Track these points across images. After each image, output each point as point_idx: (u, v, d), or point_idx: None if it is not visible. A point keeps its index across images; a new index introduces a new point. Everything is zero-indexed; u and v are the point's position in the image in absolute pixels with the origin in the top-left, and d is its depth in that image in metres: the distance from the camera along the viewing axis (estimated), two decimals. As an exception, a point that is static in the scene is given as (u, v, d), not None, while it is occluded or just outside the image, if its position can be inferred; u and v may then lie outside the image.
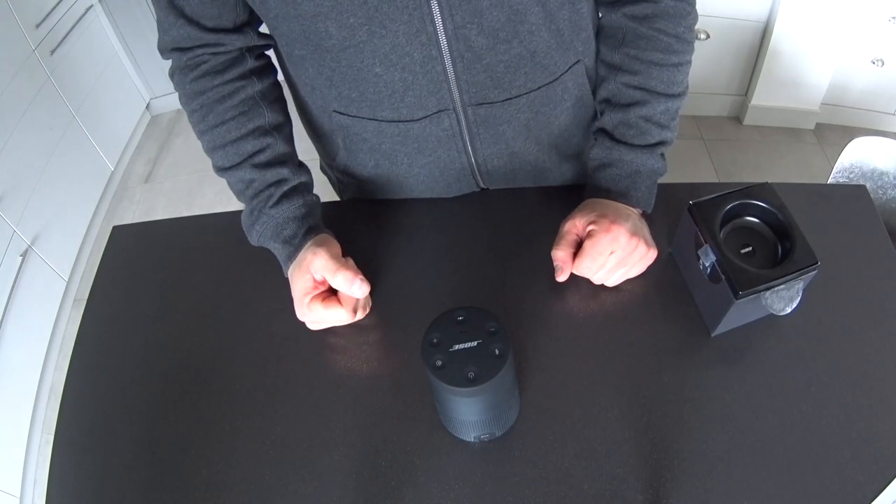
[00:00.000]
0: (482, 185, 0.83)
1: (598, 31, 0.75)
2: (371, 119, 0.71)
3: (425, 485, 0.60)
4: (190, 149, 2.42)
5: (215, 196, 2.24)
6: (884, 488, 0.51)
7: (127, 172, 2.36)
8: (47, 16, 1.86)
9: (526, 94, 0.70)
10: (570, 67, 0.71)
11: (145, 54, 2.35)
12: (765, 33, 1.98)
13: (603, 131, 0.75)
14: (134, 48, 2.32)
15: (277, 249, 0.71)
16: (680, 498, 0.58)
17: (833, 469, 0.59)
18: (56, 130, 1.90)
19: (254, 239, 0.72)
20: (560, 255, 0.70)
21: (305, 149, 0.91)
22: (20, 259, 1.67)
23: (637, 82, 0.71)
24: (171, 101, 2.52)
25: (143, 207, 2.25)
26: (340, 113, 0.72)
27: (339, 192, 0.93)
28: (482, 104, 0.69)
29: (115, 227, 0.86)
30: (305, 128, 0.85)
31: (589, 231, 0.69)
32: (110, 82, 2.23)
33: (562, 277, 0.70)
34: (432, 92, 0.67)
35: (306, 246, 0.69)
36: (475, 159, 0.77)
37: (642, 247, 0.69)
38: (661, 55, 0.70)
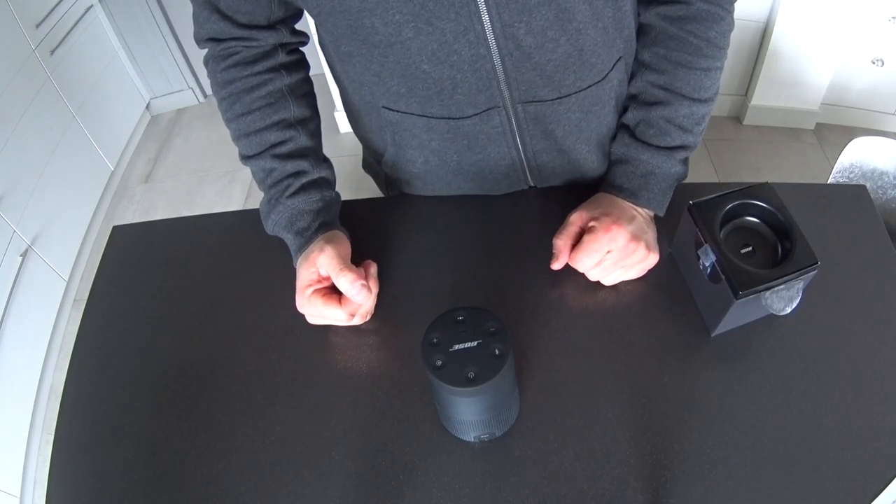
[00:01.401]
0: (531, 182, 0.83)
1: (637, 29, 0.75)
2: (421, 115, 0.71)
3: (425, 485, 0.60)
4: (190, 149, 2.42)
5: (215, 196, 2.24)
6: (884, 488, 0.51)
7: (127, 172, 2.36)
8: (47, 16, 1.86)
9: (576, 93, 0.70)
10: (614, 65, 0.71)
11: (145, 54, 2.35)
12: (765, 33, 1.98)
13: (625, 127, 0.75)
14: (134, 48, 2.32)
15: (289, 240, 0.71)
16: (680, 498, 0.58)
17: (833, 469, 0.59)
18: (56, 130, 1.90)
19: (269, 227, 0.73)
20: (559, 243, 0.71)
21: (350, 144, 0.91)
22: (20, 259, 1.67)
23: (662, 82, 0.71)
24: (171, 101, 2.53)
25: (143, 207, 2.25)
26: (389, 109, 0.72)
27: (385, 189, 0.93)
28: (532, 102, 0.69)
29: (115, 227, 0.86)
30: (352, 125, 0.85)
31: (590, 226, 0.70)
32: (110, 82, 2.23)
33: (556, 265, 0.71)
34: (482, 90, 0.67)
35: (316, 240, 0.70)
36: (525, 155, 0.77)
37: (641, 251, 0.69)
38: (690, 58, 0.69)
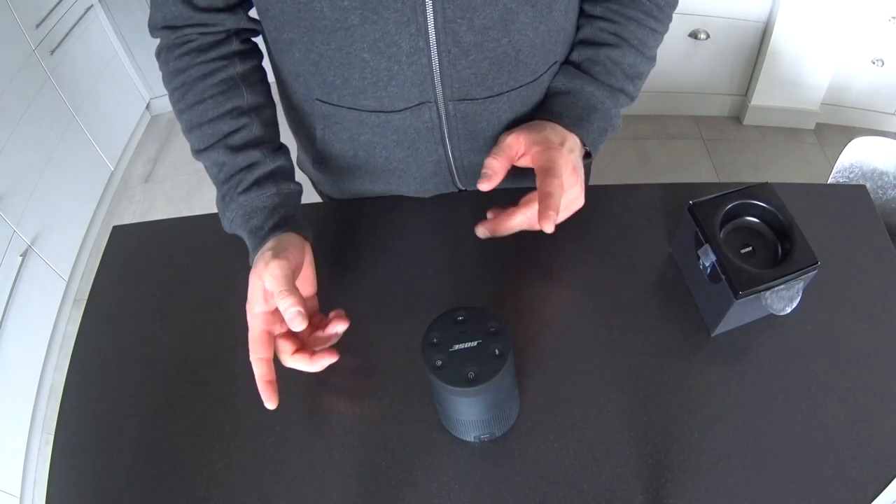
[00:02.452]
0: (458, 183, 0.82)
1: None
2: (352, 108, 0.71)
3: (425, 485, 0.60)
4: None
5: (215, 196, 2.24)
6: (884, 488, 0.51)
7: (127, 172, 2.35)
8: (47, 16, 1.86)
9: (507, 92, 0.70)
10: (548, 68, 0.72)
11: (145, 54, 2.35)
12: (765, 33, 1.98)
13: (568, 63, 0.74)
14: (134, 48, 2.32)
15: (245, 239, 0.68)
16: (680, 498, 0.58)
17: (833, 469, 0.59)
18: (56, 130, 1.90)
19: (226, 225, 0.70)
20: (496, 164, 0.65)
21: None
22: (20, 259, 1.67)
23: (613, 30, 0.72)
24: (171, 101, 2.52)
25: (143, 207, 2.25)
26: (323, 101, 0.72)
27: (316, 190, 0.93)
28: (464, 100, 0.69)
29: (115, 227, 0.86)
30: (288, 123, 0.85)
31: (537, 151, 0.65)
32: (110, 82, 2.23)
33: (487, 186, 0.65)
34: (416, 83, 0.67)
35: (267, 243, 0.64)
36: (452, 154, 0.76)
37: (578, 188, 0.66)
38: (642, 15, 0.71)
